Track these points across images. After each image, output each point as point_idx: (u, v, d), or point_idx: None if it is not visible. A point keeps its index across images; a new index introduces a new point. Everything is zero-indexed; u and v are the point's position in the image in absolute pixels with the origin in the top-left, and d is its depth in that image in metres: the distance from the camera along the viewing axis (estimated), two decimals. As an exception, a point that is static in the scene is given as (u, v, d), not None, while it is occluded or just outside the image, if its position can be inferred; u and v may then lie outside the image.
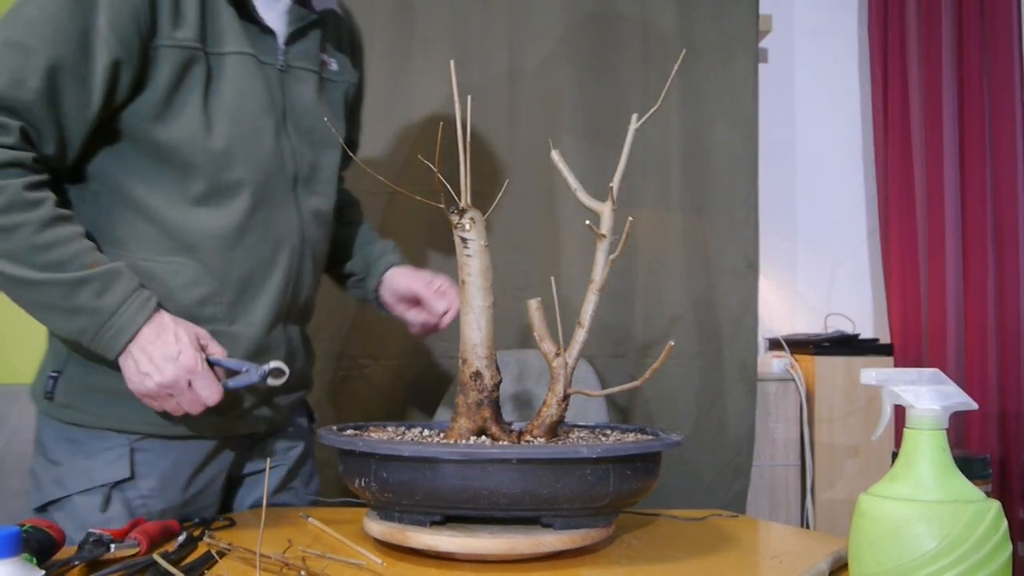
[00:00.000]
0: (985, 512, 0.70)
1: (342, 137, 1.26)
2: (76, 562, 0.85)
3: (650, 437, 1.04)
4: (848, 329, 2.63)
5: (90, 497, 1.09)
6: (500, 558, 0.92)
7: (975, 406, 0.77)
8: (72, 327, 1.00)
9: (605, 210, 1.01)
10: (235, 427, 1.17)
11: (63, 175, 1.07)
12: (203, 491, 1.18)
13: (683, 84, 2.12)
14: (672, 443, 0.98)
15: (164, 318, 1.02)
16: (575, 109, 2.10)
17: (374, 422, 1.16)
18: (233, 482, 1.24)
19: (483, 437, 1.00)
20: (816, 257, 2.76)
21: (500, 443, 0.97)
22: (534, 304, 1.03)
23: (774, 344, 2.58)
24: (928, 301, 2.53)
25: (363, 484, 0.93)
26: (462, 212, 0.98)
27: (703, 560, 0.96)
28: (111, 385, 1.04)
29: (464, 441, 0.98)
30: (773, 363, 2.46)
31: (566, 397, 1.02)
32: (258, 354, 1.14)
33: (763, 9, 2.22)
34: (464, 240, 0.99)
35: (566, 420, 1.05)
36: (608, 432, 1.11)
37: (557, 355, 1.02)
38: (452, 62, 1.01)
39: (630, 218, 0.98)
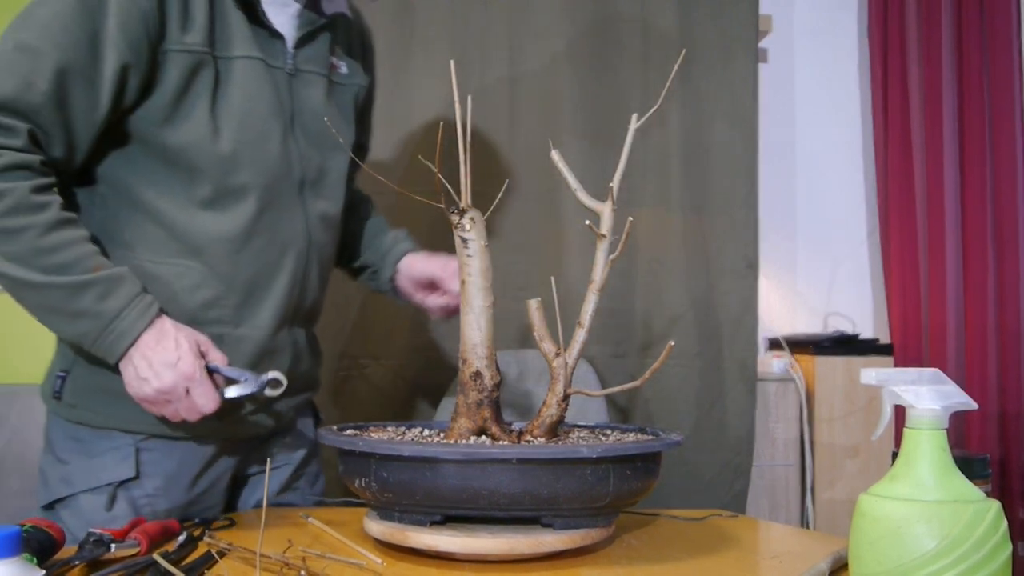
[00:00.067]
0: (985, 512, 0.70)
1: (350, 140, 1.26)
2: (76, 562, 0.85)
3: (650, 437, 1.04)
4: (848, 329, 2.63)
5: (96, 496, 1.09)
6: (500, 558, 0.92)
7: (975, 406, 0.77)
8: (74, 330, 1.00)
9: (605, 210, 1.01)
10: (238, 431, 1.18)
11: (71, 178, 1.07)
12: (208, 491, 1.18)
13: (683, 84, 2.12)
14: (672, 443, 0.98)
15: (166, 324, 1.02)
16: (575, 109, 2.10)
17: (374, 422, 1.16)
18: (238, 481, 1.25)
19: (483, 437, 1.00)
20: (816, 257, 2.76)
21: (500, 443, 0.97)
22: (534, 304, 1.03)
23: (774, 344, 2.58)
24: (928, 301, 2.53)
25: (363, 484, 0.93)
26: (462, 212, 0.98)
27: (703, 560, 0.96)
28: (117, 386, 1.04)
29: (464, 441, 0.98)
30: (773, 363, 2.46)
31: (566, 397, 1.02)
32: (263, 357, 1.14)
33: (763, 9, 2.22)
34: (464, 240, 0.99)
35: (566, 420, 1.05)
36: (608, 432, 1.11)
37: (557, 355, 1.02)
38: (452, 62, 1.01)
39: (630, 218, 0.98)
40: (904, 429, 0.75)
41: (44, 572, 0.72)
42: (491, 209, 1.01)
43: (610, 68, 2.12)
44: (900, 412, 0.77)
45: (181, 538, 0.97)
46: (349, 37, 1.28)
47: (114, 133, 1.06)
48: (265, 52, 1.12)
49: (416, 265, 1.34)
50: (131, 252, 1.08)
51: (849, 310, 2.70)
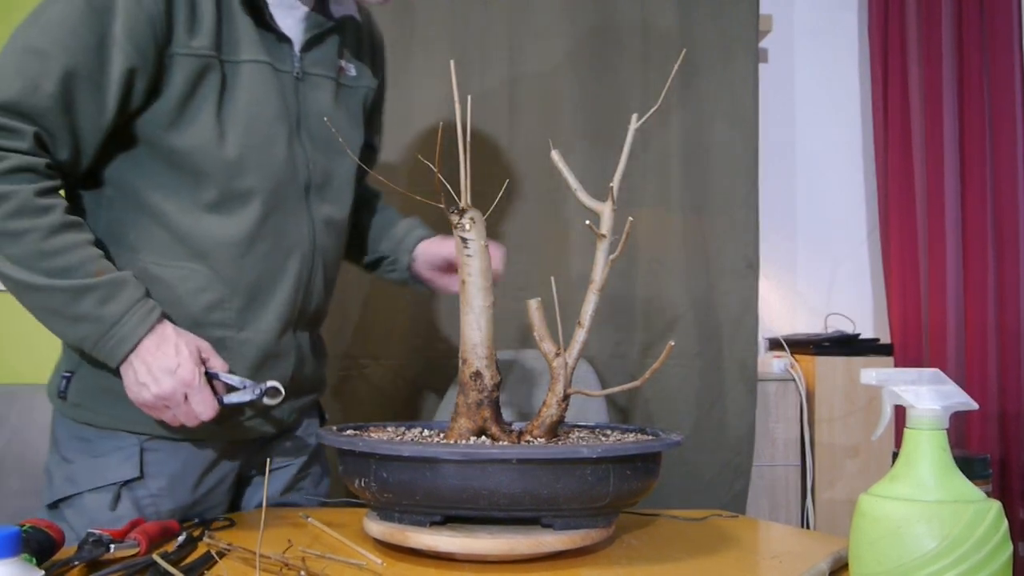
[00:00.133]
0: (985, 512, 0.70)
1: (359, 144, 1.25)
2: (76, 562, 0.85)
3: (650, 437, 1.04)
4: (848, 329, 2.63)
5: (100, 495, 1.09)
6: (500, 558, 0.92)
7: (975, 406, 0.77)
8: (75, 334, 1.00)
9: (605, 210, 1.01)
10: (240, 433, 1.18)
11: (78, 180, 1.08)
12: (212, 491, 1.18)
13: (683, 84, 2.12)
14: (672, 443, 0.98)
15: (167, 329, 1.02)
16: (575, 109, 2.10)
17: (374, 422, 1.16)
18: (241, 481, 1.25)
19: (483, 437, 1.00)
20: (816, 257, 2.76)
21: (500, 443, 0.97)
22: (534, 304, 1.03)
23: (774, 344, 2.57)
24: (928, 301, 2.53)
25: (363, 484, 0.93)
26: (462, 212, 0.98)
27: (703, 560, 0.96)
28: (121, 387, 1.04)
29: (464, 441, 0.98)
30: (773, 363, 2.46)
31: (566, 397, 1.02)
32: (267, 360, 1.14)
33: (763, 9, 2.22)
34: (464, 240, 0.99)
35: (566, 420, 1.05)
36: (608, 432, 1.11)
37: (557, 355, 1.02)
38: (452, 62, 1.01)
39: (630, 218, 0.98)
40: (904, 429, 0.75)
41: (43, 572, 0.72)
42: (491, 209, 1.01)
43: (610, 68, 2.12)
44: (900, 412, 0.77)
45: (181, 538, 0.97)
46: (358, 39, 1.28)
47: (120, 136, 1.06)
48: (272, 56, 1.12)
49: (432, 248, 1.33)
50: (136, 255, 1.08)
51: (849, 310, 2.70)
